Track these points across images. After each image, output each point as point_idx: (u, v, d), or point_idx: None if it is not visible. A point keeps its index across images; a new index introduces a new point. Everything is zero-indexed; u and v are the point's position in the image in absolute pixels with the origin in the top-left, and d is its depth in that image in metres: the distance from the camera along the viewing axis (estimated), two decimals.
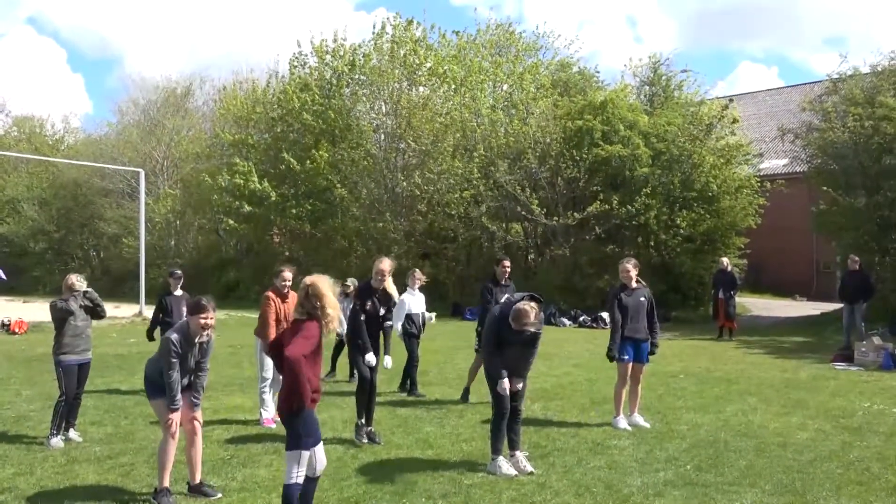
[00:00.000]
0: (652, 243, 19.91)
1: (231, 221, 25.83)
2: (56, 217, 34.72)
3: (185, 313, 8.75)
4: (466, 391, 8.50)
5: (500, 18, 43.08)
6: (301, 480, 4.17)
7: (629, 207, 19.42)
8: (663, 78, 22.45)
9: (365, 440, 6.59)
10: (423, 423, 7.45)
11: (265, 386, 7.25)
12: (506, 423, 5.77)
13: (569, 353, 12.89)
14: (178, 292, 8.94)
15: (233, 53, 65.06)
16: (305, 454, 4.11)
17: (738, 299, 17.70)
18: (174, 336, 4.95)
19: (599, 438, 6.77)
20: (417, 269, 9.64)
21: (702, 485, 5.39)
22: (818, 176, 18.87)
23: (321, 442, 4.36)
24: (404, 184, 22.65)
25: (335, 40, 25.67)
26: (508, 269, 8.44)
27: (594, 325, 18.27)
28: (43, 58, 72.58)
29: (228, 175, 25.40)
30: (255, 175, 24.89)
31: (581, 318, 18.80)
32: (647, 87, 23.00)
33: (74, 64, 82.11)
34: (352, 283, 9.89)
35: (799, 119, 20.34)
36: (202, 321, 4.96)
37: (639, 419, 7.30)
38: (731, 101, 21.04)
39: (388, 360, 7.25)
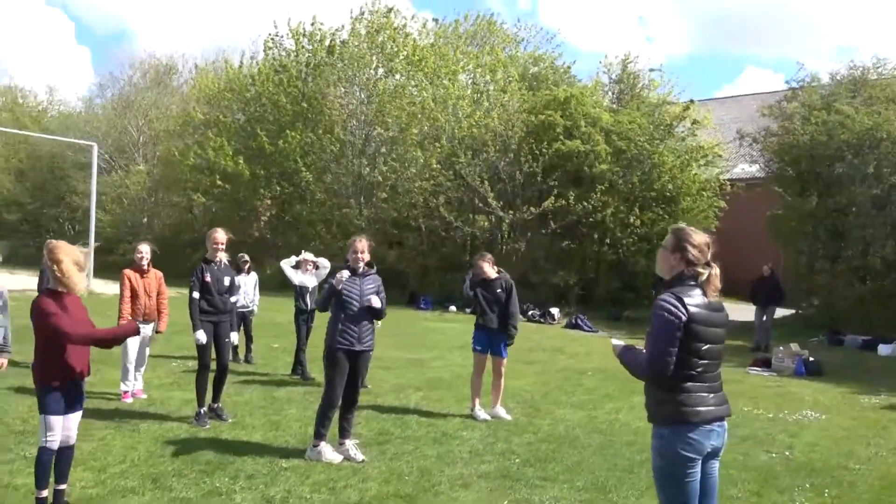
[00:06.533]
0: (608, 241, 19.85)
1: (200, 197, 25.82)
2: (31, 189, 34.79)
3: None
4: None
5: (516, 14, 42.26)
6: (53, 446, 4.19)
7: (585, 204, 19.36)
8: (631, 76, 22.32)
9: (207, 424, 6.47)
10: (290, 405, 7.45)
11: (126, 361, 7.26)
12: (335, 410, 5.75)
13: None
14: None
15: (218, 34, 64.86)
16: (49, 419, 4.14)
17: None
18: None
19: (452, 429, 6.76)
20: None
21: (516, 479, 5.37)
22: (776, 180, 18.80)
23: (80, 412, 4.36)
24: (367, 170, 22.61)
25: (313, 23, 25.55)
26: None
27: (542, 319, 18.27)
28: (49, 29, 72.13)
29: (200, 150, 25.37)
30: (229, 150, 24.79)
31: (530, 313, 18.75)
32: (617, 86, 22.88)
33: (81, 37, 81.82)
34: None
35: (760, 124, 20.21)
36: None
37: (500, 411, 7.29)
38: (692, 102, 20.86)
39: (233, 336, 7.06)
